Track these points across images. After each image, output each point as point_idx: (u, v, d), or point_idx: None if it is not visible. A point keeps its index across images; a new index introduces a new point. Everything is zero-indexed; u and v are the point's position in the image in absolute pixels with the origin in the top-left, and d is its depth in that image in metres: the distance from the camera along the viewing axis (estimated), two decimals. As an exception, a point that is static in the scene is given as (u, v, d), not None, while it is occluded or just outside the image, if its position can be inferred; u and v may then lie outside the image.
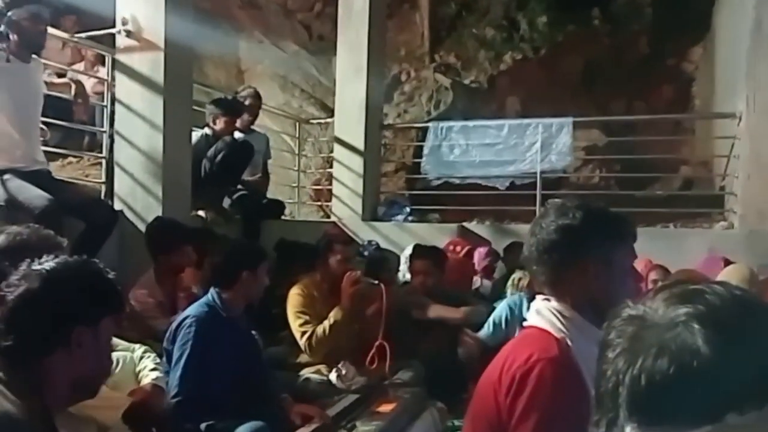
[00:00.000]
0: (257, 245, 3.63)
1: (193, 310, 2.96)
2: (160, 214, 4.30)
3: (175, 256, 3.78)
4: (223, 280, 3.05)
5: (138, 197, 4.52)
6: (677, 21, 9.09)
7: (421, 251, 4.50)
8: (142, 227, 4.25)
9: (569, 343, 1.46)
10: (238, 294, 3.03)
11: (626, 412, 0.73)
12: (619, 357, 0.75)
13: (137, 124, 4.54)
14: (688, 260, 4.43)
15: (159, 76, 4.48)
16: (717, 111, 7.23)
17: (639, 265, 3.99)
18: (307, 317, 3.73)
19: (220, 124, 5.29)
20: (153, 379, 2.60)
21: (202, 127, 5.34)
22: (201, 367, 2.81)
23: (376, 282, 3.80)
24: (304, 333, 3.70)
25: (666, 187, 7.03)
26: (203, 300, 3.04)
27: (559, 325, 1.49)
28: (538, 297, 1.59)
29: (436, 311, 4.10)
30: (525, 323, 1.59)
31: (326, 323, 3.67)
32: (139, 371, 2.65)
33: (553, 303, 1.53)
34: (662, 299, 0.77)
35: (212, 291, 3.04)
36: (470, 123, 6.52)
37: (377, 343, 3.65)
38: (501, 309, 3.89)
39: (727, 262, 4.36)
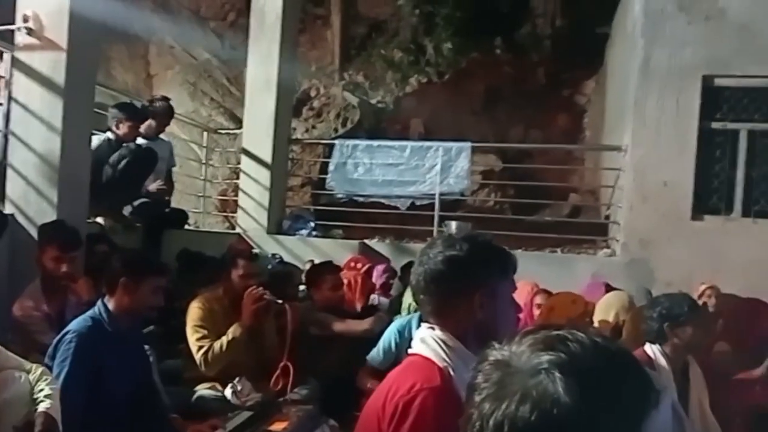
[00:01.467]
0: (150, 259, 3.36)
1: (75, 324, 2.78)
2: (54, 219, 4.16)
3: (56, 261, 3.54)
4: (105, 288, 2.88)
5: (31, 201, 4.34)
6: (573, 54, 9.61)
7: (318, 268, 4.55)
8: (35, 233, 4.07)
9: (452, 372, 1.48)
10: (120, 304, 2.83)
11: None
12: (485, 401, 0.78)
13: (34, 125, 4.37)
14: (574, 285, 4.63)
15: (60, 77, 4.33)
16: (605, 143, 7.65)
17: (524, 289, 4.17)
18: (206, 332, 3.66)
19: (123, 129, 5.17)
20: (46, 408, 2.31)
21: (105, 131, 5.21)
22: (80, 386, 2.65)
23: (280, 301, 3.76)
24: (200, 348, 3.61)
25: (555, 213, 7.37)
26: (88, 313, 2.85)
27: (442, 354, 1.51)
28: (424, 325, 1.62)
29: (340, 326, 4.09)
30: (410, 350, 1.61)
31: (224, 339, 3.61)
32: (36, 398, 2.36)
33: (438, 332, 1.55)
34: (527, 344, 0.81)
35: (99, 303, 2.86)
36: (375, 142, 6.67)
37: (282, 364, 3.57)
38: (390, 333, 3.80)
39: (609, 288, 4.61)
